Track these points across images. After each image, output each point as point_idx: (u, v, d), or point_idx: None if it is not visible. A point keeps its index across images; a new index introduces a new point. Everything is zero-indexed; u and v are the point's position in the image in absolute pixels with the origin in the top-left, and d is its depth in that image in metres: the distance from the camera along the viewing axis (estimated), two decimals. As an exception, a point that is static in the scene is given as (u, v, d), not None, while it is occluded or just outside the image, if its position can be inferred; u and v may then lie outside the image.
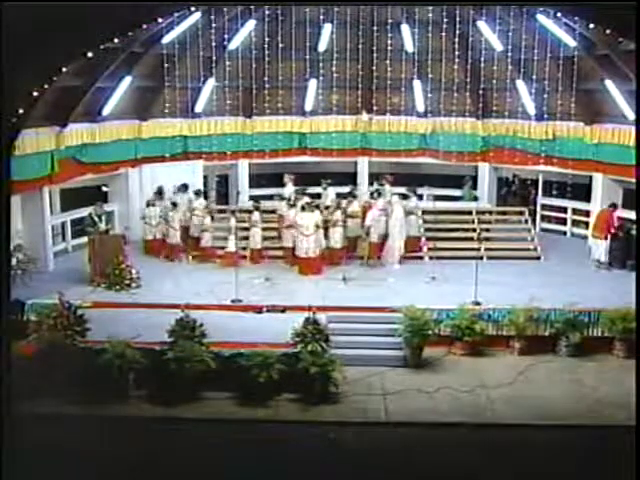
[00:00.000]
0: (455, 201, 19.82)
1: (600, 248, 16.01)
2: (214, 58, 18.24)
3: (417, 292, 13.85)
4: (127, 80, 16.68)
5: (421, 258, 16.48)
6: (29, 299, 12.91)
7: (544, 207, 19.46)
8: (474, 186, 20.00)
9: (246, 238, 16.11)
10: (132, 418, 10.32)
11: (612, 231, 15.92)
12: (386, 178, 18.33)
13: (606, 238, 15.95)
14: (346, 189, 17.88)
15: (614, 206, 16.33)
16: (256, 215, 16.23)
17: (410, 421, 10.30)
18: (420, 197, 19.50)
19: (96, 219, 15.02)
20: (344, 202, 16.61)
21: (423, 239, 16.91)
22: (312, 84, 19.44)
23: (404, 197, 17.05)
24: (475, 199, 19.52)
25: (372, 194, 17.18)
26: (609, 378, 11.54)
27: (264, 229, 16.46)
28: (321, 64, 19.23)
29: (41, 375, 10.39)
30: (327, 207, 16.76)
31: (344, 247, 16.13)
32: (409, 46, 18.77)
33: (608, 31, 13.20)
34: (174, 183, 17.66)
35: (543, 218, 19.47)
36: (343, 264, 15.83)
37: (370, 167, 20.44)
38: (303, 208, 15.73)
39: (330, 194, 17.68)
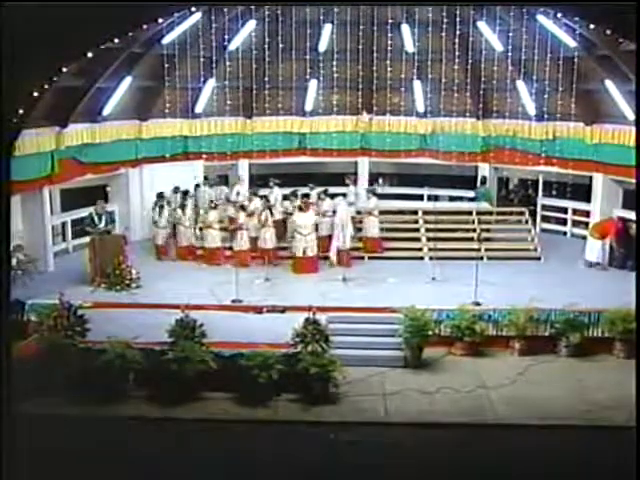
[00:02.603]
0: (458, 201, 19.83)
1: (596, 248, 15.99)
2: (214, 58, 18.26)
3: (417, 292, 13.84)
4: (127, 80, 16.68)
5: (422, 258, 16.49)
6: (29, 299, 12.91)
7: (544, 207, 19.46)
8: (474, 186, 20.00)
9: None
10: (132, 418, 10.31)
11: (612, 238, 15.90)
12: (349, 178, 18.23)
13: (603, 239, 15.94)
14: (350, 189, 17.98)
15: (622, 220, 16.35)
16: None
17: (410, 421, 10.30)
18: (421, 198, 19.64)
19: (96, 218, 15.00)
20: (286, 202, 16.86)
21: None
22: (312, 84, 19.43)
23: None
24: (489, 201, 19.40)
25: (319, 195, 17.16)
26: (609, 379, 11.53)
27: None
28: (321, 64, 19.23)
29: (41, 375, 10.39)
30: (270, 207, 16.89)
31: (275, 247, 16.08)
32: (409, 46, 18.77)
33: (608, 31, 13.19)
34: (174, 183, 17.68)
35: (543, 218, 19.46)
36: (274, 264, 15.76)
37: (370, 167, 20.47)
38: (300, 208, 15.78)
39: (276, 194, 17.75)
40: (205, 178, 18.46)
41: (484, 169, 19.79)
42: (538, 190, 19.63)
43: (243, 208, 16.24)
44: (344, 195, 17.56)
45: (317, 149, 20.11)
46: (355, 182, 18.66)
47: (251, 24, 18.16)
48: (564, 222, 19.08)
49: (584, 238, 17.48)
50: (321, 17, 18.63)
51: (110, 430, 9.73)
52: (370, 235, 16.80)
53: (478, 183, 19.73)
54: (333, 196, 17.13)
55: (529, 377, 11.69)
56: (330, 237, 16.02)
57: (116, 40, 13.39)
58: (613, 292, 13.55)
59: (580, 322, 12.52)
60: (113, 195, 18.06)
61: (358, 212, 17.16)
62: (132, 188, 18.01)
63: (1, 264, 8.62)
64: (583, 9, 11.79)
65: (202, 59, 18.13)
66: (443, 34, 18.28)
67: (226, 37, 18.07)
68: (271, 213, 16.07)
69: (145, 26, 14.03)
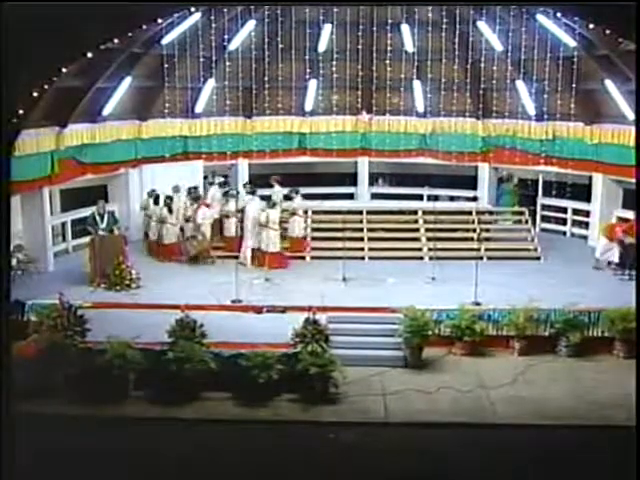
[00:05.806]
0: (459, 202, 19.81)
1: (602, 248, 15.95)
2: (214, 58, 18.25)
3: (417, 292, 13.85)
4: (127, 80, 16.68)
5: (421, 258, 16.49)
6: (29, 299, 12.89)
7: (544, 207, 19.46)
8: (474, 186, 19.97)
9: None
10: (132, 418, 10.31)
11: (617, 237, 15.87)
12: (275, 179, 18.17)
13: (612, 240, 15.91)
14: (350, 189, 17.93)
15: (622, 220, 16.31)
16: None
17: (410, 421, 10.30)
18: (421, 197, 19.64)
19: (98, 219, 14.99)
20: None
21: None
22: (312, 84, 19.44)
23: (288, 198, 17.05)
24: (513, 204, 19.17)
25: (225, 193, 17.28)
26: (609, 378, 11.53)
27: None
28: (321, 64, 19.24)
29: (41, 375, 10.39)
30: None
31: (176, 244, 16.27)
32: (409, 46, 18.77)
33: (608, 31, 13.19)
34: (174, 183, 17.66)
35: (543, 218, 19.46)
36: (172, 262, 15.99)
37: (370, 167, 20.46)
38: (274, 205, 15.82)
39: (212, 193, 17.77)
40: (204, 177, 18.46)
41: (481, 169, 19.77)
42: (538, 190, 19.63)
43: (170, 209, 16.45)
44: (269, 197, 16.98)
45: (317, 149, 20.11)
46: (281, 184, 18.08)
47: (251, 24, 18.16)
48: (564, 222, 19.06)
49: (584, 238, 17.51)
50: (321, 17, 18.62)
51: (110, 430, 9.73)
52: (295, 235, 16.74)
53: (485, 181, 19.66)
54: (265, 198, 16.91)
55: (529, 377, 11.68)
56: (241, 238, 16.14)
57: (116, 40, 13.40)
58: (613, 292, 13.58)
59: (580, 322, 12.51)
60: (113, 195, 18.06)
61: (284, 211, 16.88)
62: (132, 188, 18.00)
63: (1, 264, 8.62)
64: (583, 9, 11.79)
65: (202, 59, 18.14)
66: (443, 34, 18.29)
67: (226, 37, 18.07)
68: (170, 210, 16.27)
69: (145, 26, 14.03)
